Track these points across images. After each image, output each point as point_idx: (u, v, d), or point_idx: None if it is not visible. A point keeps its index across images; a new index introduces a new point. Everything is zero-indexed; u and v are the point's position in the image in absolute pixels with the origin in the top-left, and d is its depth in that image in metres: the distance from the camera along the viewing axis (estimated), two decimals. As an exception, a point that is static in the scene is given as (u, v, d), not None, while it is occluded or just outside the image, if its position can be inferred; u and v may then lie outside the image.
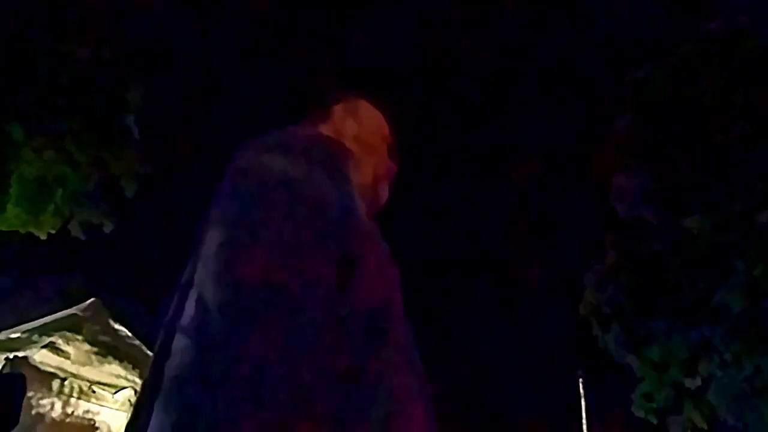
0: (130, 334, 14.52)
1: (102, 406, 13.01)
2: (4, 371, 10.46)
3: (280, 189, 0.81)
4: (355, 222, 0.84)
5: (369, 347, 0.76)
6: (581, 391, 15.98)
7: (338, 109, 1.13)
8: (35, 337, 12.43)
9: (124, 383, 13.56)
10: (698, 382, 8.70)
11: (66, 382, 12.31)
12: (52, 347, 12.40)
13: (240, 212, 0.79)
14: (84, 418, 12.64)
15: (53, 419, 11.87)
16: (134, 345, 14.41)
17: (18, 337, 12.24)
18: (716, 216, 8.45)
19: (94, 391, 12.85)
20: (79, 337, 13.10)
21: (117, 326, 14.35)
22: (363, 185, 1.02)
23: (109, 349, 13.75)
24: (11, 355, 11.36)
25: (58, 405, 12.09)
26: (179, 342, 0.77)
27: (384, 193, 1.11)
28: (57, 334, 12.66)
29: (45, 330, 12.66)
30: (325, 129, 1.08)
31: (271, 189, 0.80)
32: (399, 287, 0.88)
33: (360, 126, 1.11)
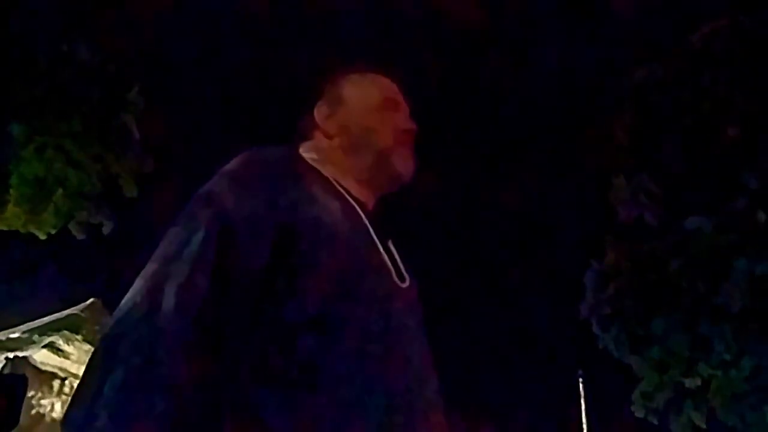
0: (130, 334, 14.50)
1: (102, 406, 13.00)
2: (5, 371, 10.48)
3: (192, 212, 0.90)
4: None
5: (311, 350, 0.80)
6: (581, 391, 15.98)
7: (320, 110, 1.10)
8: (35, 337, 12.43)
9: (124, 383, 13.55)
10: (698, 382, 8.70)
11: (66, 382, 12.32)
12: (52, 347, 12.41)
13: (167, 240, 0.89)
14: (84, 418, 12.63)
15: (53, 419, 11.88)
16: (134, 345, 14.39)
17: (18, 337, 12.25)
18: (716, 216, 8.45)
19: (94, 391, 12.85)
20: (79, 337, 13.10)
21: (117, 326, 14.33)
22: (364, 170, 1.04)
23: (109, 349, 13.74)
24: (11, 355, 11.38)
25: (58, 405, 12.10)
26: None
27: (401, 161, 1.06)
28: (57, 334, 12.66)
29: (45, 330, 12.66)
30: (311, 140, 1.09)
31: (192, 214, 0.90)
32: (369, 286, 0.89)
33: (346, 113, 1.08)
